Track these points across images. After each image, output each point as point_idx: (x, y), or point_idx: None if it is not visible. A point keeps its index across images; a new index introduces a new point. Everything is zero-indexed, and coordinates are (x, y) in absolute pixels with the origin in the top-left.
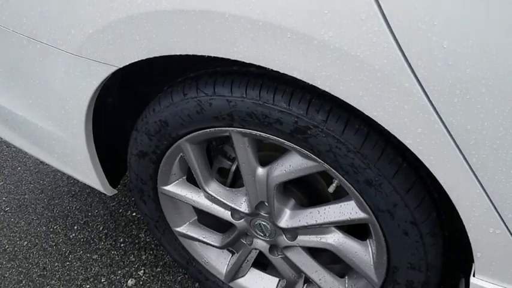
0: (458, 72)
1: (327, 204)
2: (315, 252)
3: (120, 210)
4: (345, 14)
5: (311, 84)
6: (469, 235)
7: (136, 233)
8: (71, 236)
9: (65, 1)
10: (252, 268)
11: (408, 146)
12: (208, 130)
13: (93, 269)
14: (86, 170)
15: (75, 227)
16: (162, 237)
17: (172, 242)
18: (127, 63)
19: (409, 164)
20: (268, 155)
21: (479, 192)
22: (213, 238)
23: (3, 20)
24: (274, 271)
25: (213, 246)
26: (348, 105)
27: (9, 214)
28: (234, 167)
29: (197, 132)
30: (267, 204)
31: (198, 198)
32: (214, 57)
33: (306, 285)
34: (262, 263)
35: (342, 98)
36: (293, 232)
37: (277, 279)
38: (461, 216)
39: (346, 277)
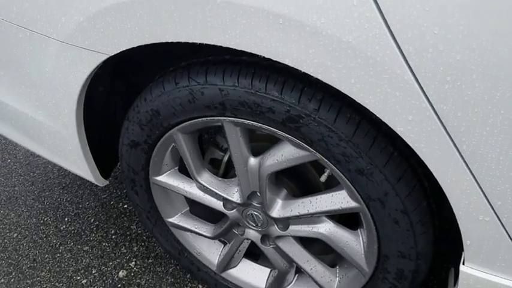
0: (449, 59)
1: (318, 194)
2: (307, 243)
3: (112, 202)
4: None
5: (303, 73)
6: (458, 223)
7: (127, 224)
8: (62, 228)
9: None
10: (243, 259)
11: (399, 134)
12: (200, 119)
13: (84, 260)
14: (77, 161)
15: (66, 219)
16: (154, 228)
17: (164, 233)
18: (118, 51)
19: (400, 153)
20: (260, 145)
21: (469, 180)
22: (205, 228)
23: None
24: (266, 261)
25: (205, 236)
26: (340, 94)
27: None
28: (226, 158)
29: (189, 122)
30: (259, 194)
31: (190, 189)
32: (206, 46)
33: (297, 275)
34: (254, 254)
35: (334, 86)
36: (285, 222)
37: (268, 270)
38: (452, 204)
39: (337, 267)
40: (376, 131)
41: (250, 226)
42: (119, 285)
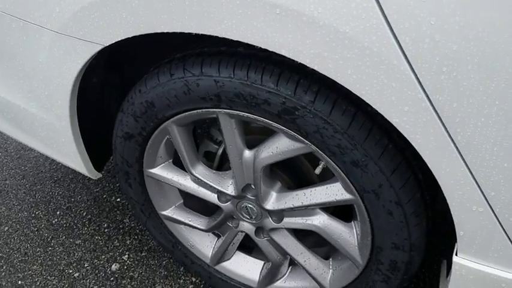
0: (445, 49)
1: (313, 186)
2: (300, 236)
3: (104, 196)
4: None
5: (299, 65)
6: (452, 214)
7: (120, 218)
8: (54, 222)
9: None
10: (237, 251)
11: (395, 125)
12: (195, 111)
13: (76, 254)
14: (70, 153)
15: (58, 213)
16: (148, 221)
17: (157, 226)
18: (113, 42)
19: (395, 145)
20: (254, 138)
21: (463, 171)
22: (199, 221)
23: None
24: (260, 254)
25: (199, 229)
26: (335, 86)
27: None
28: (220, 151)
29: (184, 114)
30: (253, 187)
31: (185, 182)
32: (201, 37)
33: (290, 267)
34: (248, 247)
35: (330, 77)
36: (279, 214)
37: (262, 262)
38: (445, 195)
39: (331, 259)
40: (371, 123)
41: (244, 219)
42: (112, 279)
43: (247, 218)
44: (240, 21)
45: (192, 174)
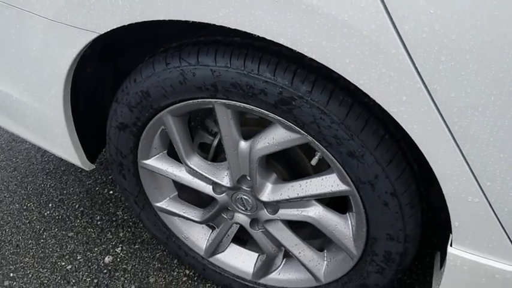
0: (444, 38)
1: (308, 177)
2: (295, 228)
3: (97, 188)
4: None
5: (296, 55)
6: (448, 204)
7: (113, 210)
8: (46, 214)
9: None
10: (231, 243)
11: (392, 115)
12: (191, 101)
13: (69, 246)
14: (63, 144)
15: (50, 205)
16: (142, 213)
17: (151, 218)
18: (108, 30)
19: (391, 136)
20: (249, 129)
21: (459, 161)
22: (193, 213)
23: None
24: (254, 246)
25: (194, 221)
26: (332, 76)
27: None
28: (215, 142)
29: (179, 104)
30: (249, 178)
31: (180, 173)
32: (197, 26)
33: (285, 259)
34: (242, 239)
35: (329, 66)
36: (274, 206)
37: (256, 254)
38: (441, 186)
39: (325, 251)
40: (368, 113)
41: (239, 210)
42: (105, 271)
43: (242, 210)
44: (238, 8)
45: (187, 165)
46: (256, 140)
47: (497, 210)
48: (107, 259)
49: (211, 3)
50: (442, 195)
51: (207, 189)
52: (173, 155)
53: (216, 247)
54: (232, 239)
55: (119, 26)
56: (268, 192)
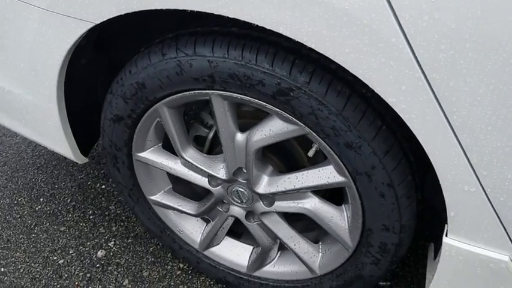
0: (444, 27)
1: (305, 169)
2: (290, 221)
3: (89, 183)
4: None
5: (294, 46)
6: (444, 194)
7: (106, 205)
8: (37, 209)
9: None
10: (226, 236)
11: (391, 105)
12: (187, 93)
13: (61, 240)
14: (57, 137)
15: (41, 199)
16: (136, 206)
17: (146, 211)
18: (104, 19)
19: (388, 127)
20: (246, 122)
21: (457, 151)
22: (188, 206)
23: None
24: (248, 239)
25: (189, 214)
26: (331, 67)
27: None
28: (211, 135)
29: (176, 96)
30: (245, 170)
31: (175, 165)
32: (194, 16)
33: (280, 252)
34: (236, 232)
35: (328, 56)
36: (270, 198)
37: (251, 247)
38: (438, 175)
39: (320, 243)
40: (365, 104)
41: (235, 203)
42: (98, 265)
43: (238, 202)
44: None
45: (182, 157)
46: (253, 132)
47: (493, 199)
48: (100, 253)
49: None
50: (436, 186)
51: (203, 181)
52: (168, 147)
53: (210, 240)
54: (227, 232)
55: (115, 15)
56: (265, 184)
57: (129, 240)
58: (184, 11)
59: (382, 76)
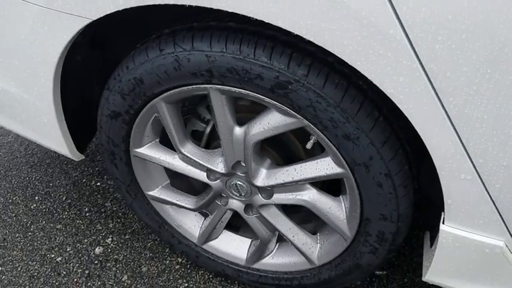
0: (441, 18)
1: (303, 161)
2: (288, 214)
3: (84, 180)
4: None
5: (291, 39)
6: (441, 182)
7: (102, 202)
8: (32, 207)
9: None
10: (224, 230)
11: (389, 95)
12: (185, 88)
13: (58, 238)
14: (53, 134)
15: (36, 198)
16: (134, 202)
17: (144, 207)
18: (102, 15)
19: (385, 118)
20: (243, 116)
21: (454, 140)
22: (187, 201)
23: None
24: (247, 232)
25: (187, 208)
26: (328, 60)
27: None
28: (208, 129)
29: (174, 91)
30: (243, 164)
31: (173, 160)
32: (192, 11)
33: (278, 244)
34: (235, 226)
35: (327, 48)
36: (269, 191)
37: (249, 240)
38: (435, 164)
39: (318, 234)
40: (363, 96)
41: (233, 196)
42: (96, 262)
43: (237, 196)
44: None
45: (181, 152)
46: (251, 125)
47: (488, 186)
48: (98, 250)
49: None
50: (433, 175)
51: (201, 176)
52: (165, 143)
53: (209, 234)
54: (225, 226)
55: (113, 11)
56: (263, 177)
57: (127, 237)
58: (182, 6)
59: (381, 68)
